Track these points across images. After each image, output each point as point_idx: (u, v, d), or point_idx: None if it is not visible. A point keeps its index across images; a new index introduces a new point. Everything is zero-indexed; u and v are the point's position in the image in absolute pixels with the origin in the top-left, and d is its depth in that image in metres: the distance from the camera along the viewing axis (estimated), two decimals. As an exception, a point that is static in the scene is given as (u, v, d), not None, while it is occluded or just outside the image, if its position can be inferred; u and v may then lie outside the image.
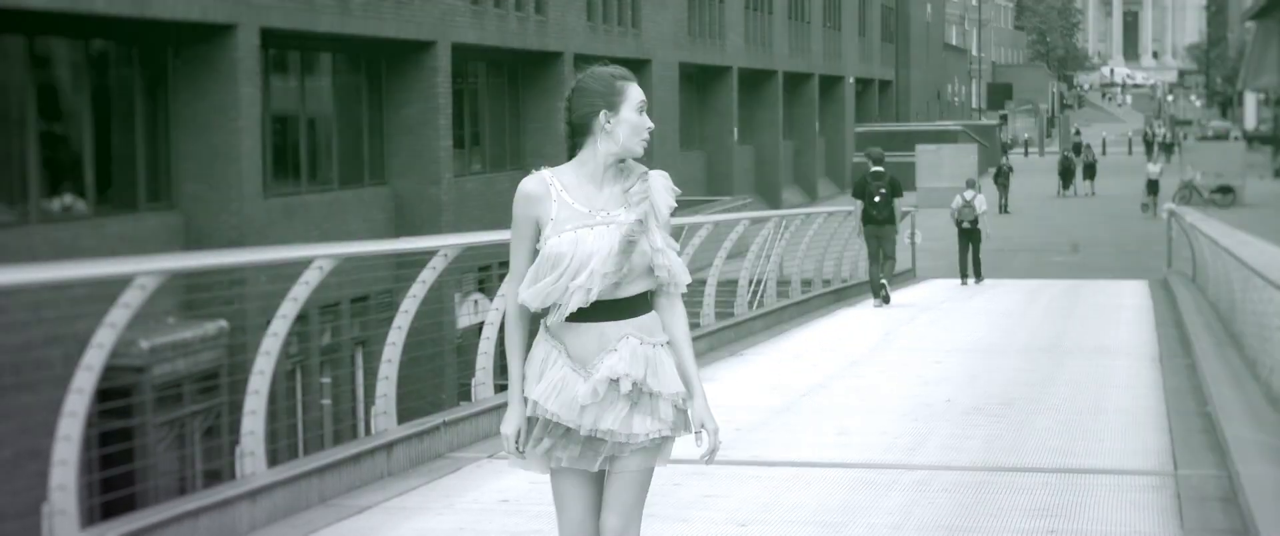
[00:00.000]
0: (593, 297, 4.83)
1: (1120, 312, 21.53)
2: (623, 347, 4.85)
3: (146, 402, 17.72)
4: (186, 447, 18.17)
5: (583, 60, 38.25)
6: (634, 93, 4.96)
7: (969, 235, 27.35)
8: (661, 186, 4.95)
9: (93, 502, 10.04)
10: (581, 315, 4.85)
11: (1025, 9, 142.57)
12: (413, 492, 8.84)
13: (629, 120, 4.92)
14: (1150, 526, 8.00)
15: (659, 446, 4.93)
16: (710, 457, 4.97)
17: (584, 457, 4.88)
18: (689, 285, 5.02)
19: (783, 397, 12.67)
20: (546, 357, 4.90)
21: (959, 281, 27.46)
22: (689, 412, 4.94)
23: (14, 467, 15.06)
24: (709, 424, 4.94)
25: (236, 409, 8.62)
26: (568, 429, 4.86)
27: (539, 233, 4.90)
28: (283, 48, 26.56)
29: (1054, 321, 20.34)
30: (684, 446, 5.09)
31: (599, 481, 4.97)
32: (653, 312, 4.95)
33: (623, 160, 4.95)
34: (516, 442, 4.94)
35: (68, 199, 21.54)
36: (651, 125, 4.97)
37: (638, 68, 41.49)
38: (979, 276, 27.41)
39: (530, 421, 4.92)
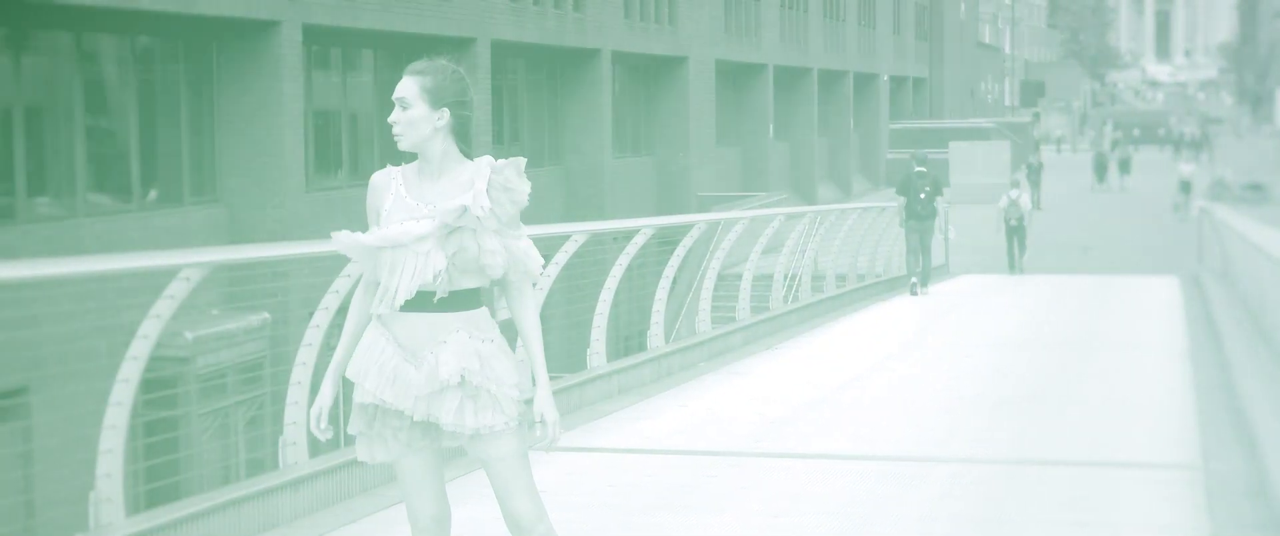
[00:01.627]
0: (415, 289, 4.85)
1: (1151, 308, 21.52)
2: (453, 341, 4.90)
3: (191, 393, 17.91)
4: (230, 437, 18.33)
5: (620, 57, 38.35)
6: (396, 89, 5.03)
7: (1016, 231, 29.04)
8: (502, 181, 4.92)
9: (138, 490, 10.24)
10: (413, 305, 4.89)
11: (1058, 7, 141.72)
12: (451, 483, 8.91)
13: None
14: (1179, 519, 8.07)
15: (516, 431, 4.96)
16: (549, 446, 5.00)
17: (426, 437, 4.98)
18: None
19: (816, 391, 12.77)
20: (374, 344, 4.97)
21: (1008, 274, 28.90)
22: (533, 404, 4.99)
23: (62, 455, 15.25)
24: (548, 415, 4.96)
25: (279, 399, 8.70)
26: (401, 412, 4.95)
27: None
28: (325, 44, 26.75)
29: (1084, 316, 20.39)
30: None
31: (443, 465, 5.09)
32: (483, 309, 4.99)
33: (427, 153, 4.96)
34: (317, 422, 5.03)
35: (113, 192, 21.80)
36: (392, 120, 4.96)
37: (674, 65, 41.51)
38: (1021, 268, 29.14)
39: (362, 407, 5.00)
